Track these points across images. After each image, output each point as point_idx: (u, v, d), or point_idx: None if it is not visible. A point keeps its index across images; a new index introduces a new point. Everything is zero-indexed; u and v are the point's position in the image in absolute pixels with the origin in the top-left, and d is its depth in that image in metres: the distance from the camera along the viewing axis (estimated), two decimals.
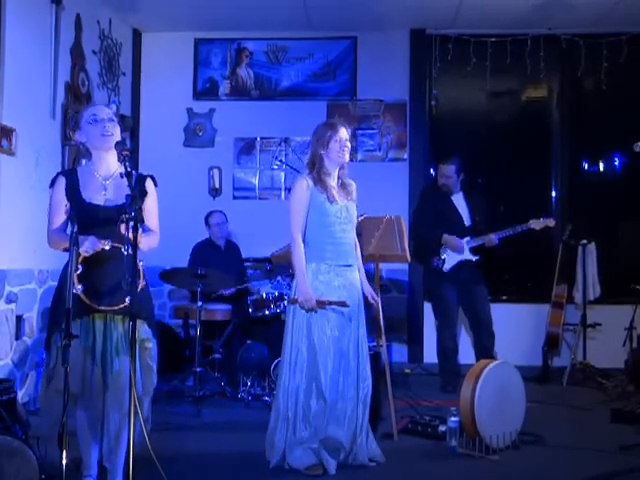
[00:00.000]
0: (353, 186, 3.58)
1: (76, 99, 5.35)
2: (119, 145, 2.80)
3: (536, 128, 6.67)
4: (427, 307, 6.08)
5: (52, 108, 5.02)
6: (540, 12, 5.99)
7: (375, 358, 3.98)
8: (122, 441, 2.81)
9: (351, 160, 3.66)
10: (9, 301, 4.48)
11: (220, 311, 5.39)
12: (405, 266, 6.17)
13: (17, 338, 4.58)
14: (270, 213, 6.26)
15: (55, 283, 2.98)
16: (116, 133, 2.89)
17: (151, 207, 2.97)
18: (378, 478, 3.35)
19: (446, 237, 5.33)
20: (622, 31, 6.30)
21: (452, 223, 5.40)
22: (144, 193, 2.93)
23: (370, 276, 3.87)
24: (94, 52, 5.77)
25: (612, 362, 5.66)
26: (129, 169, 2.64)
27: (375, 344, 4.22)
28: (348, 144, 3.48)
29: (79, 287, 2.71)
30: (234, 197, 6.67)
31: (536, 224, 5.24)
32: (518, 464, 3.53)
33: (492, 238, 5.27)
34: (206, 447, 3.80)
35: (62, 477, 2.48)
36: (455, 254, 5.36)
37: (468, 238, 5.36)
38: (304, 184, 3.44)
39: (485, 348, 5.28)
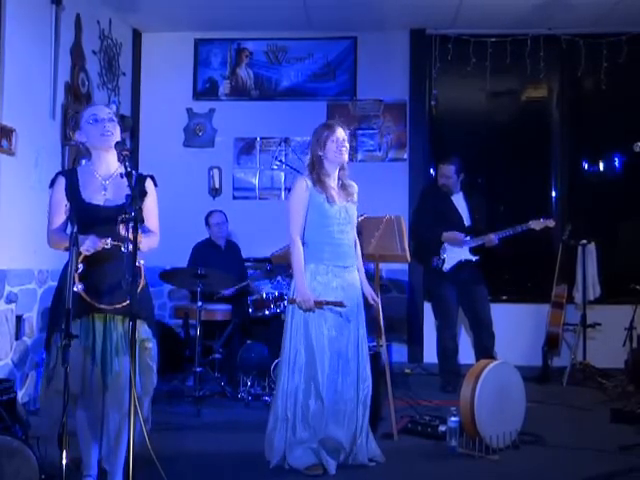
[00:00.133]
0: (354, 187, 3.57)
1: (76, 99, 5.35)
2: (119, 145, 2.80)
3: (536, 128, 6.67)
4: (427, 307, 6.08)
5: (52, 108, 5.02)
6: (540, 12, 5.99)
7: (375, 358, 3.98)
8: (122, 441, 2.81)
9: (351, 160, 3.66)
10: (9, 301, 4.48)
11: (220, 311, 5.39)
12: (405, 266, 6.17)
13: (17, 338, 4.59)
14: (270, 213, 6.25)
15: (55, 283, 2.98)
16: (116, 133, 2.89)
17: (151, 207, 2.97)
18: (378, 478, 3.35)
19: (445, 234, 5.34)
20: (622, 31, 6.30)
21: (452, 223, 5.39)
22: (144, 193, 2.93)
23: (370, 276, 3.86)
24: (94, 52, 5.77)
25: (612, 362, 5.66)
26: (129, 169, 2.63)
27: (375, 344, 4.23)
28: (346, 144, 3.46)
29: (80, 286, 2.71)
30: (234, 197, 6.67)
31: (536, 224, 5.23)
32: (518, 464, 3.53)
33: (492, 238, 5.27)
34: (206, 447, 3.80)
35: (62, 477, 2.48)
36: (455, 254, 5.36)
37: (468, 238, 5.36)
38: (303, 184, 3.44)
39: (485, 348, 5.28)
